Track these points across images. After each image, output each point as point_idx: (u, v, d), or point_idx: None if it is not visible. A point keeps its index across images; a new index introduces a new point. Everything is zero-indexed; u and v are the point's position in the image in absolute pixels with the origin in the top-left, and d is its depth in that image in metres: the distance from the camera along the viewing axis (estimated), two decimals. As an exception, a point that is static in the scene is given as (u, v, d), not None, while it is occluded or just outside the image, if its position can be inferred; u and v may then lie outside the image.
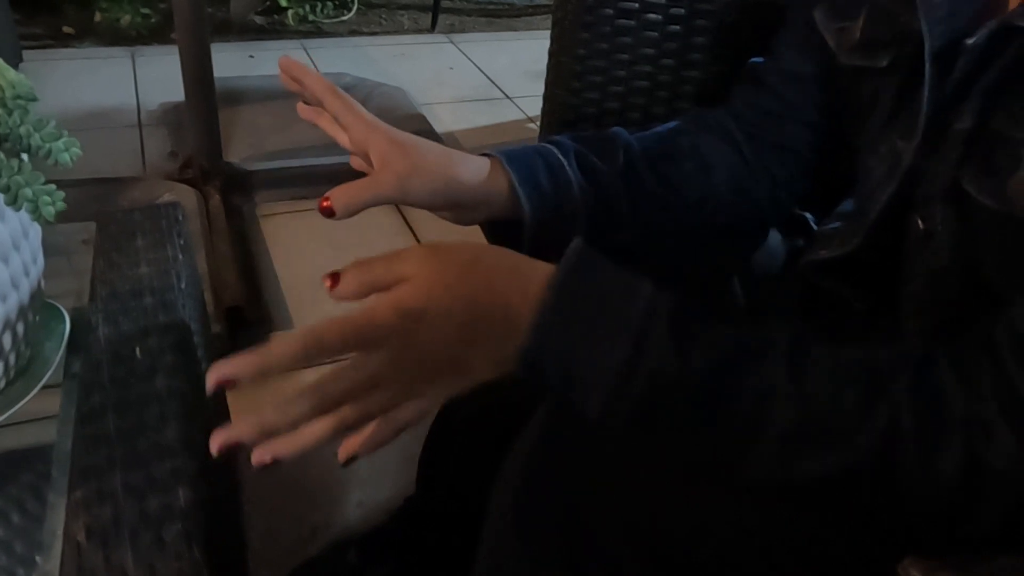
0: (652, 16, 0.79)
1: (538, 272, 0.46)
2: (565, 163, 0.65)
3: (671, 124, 0.75)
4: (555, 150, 0.66)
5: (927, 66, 0.55)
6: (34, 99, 0.52)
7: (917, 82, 0.57)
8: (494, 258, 0.48)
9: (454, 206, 0.62)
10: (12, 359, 0.58)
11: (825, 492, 0.46)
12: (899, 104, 0.60)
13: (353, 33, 2.82)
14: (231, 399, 1.09)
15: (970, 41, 0.52)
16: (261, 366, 0.43)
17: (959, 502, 0.44)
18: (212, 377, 0.43)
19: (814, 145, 0.73)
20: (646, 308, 0.45)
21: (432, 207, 0.61)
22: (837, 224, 0.70)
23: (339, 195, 0.57)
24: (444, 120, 2.20)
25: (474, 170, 0.61)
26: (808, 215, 0.82)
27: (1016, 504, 0.43)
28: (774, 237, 0.82)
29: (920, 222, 0.56)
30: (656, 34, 0.80)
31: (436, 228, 1.75)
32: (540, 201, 0.63)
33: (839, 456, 0.44)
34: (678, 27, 0.80)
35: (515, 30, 3.00)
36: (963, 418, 0.43)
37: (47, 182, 0.53)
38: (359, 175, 0.69)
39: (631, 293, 0.46)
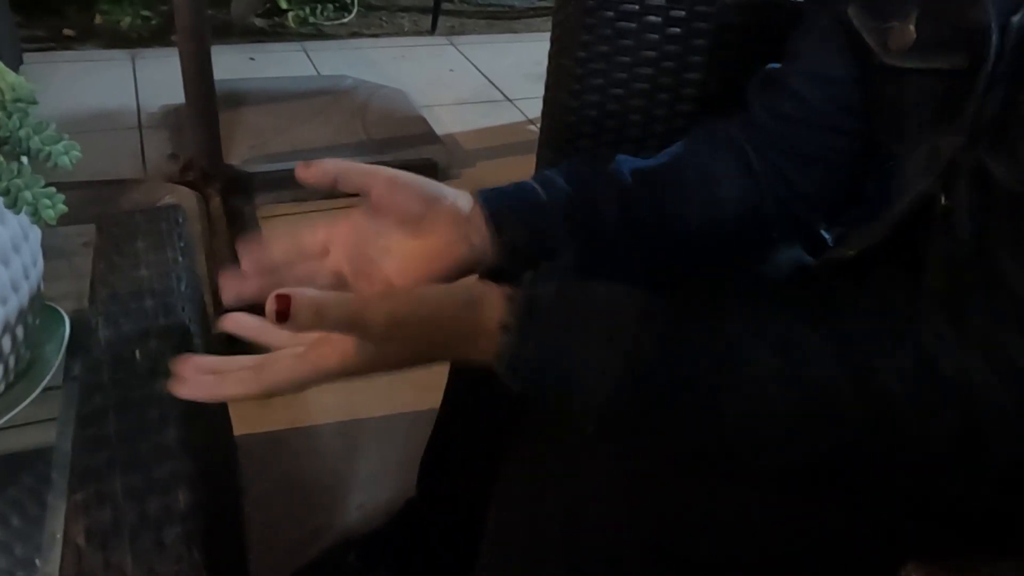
0: (652, 19, 0.79)
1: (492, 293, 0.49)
2: (553, 217, 0.63)
3: (679, 146, 0.72)
4: (537, 185, 0.64)
5: (991, 55, 0.52)
6: (34, 102, 0.52)
7: (967, 76, 0.54)
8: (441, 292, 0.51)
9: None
10: (12, 362, 0.58)
11: (827, 468, 0.47)
12: (946, 100, 0.57)
13: (353, 35, 2.83)
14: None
15: (1015, 18, 0.50)
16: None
17: (958, 457, 0.45)
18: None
19: (844, 151, 0.69)
20: (635, 314, 0.48)
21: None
22: (855, 226, 0.68)
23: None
24: (444, 122, 2.20)
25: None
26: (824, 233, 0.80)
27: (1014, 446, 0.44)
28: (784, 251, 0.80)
29: (943, 198, 0.55)
30: (657, 36, 0.80)
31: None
32: (516, 260, 0.60)
33: (836, 431, 0.46)
34: (678, 30, 0.80)
35: (515, 32, 3.00)
36: (952, 376, 0.45)
37: (47, 184, 0.53)
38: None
39: (617, 297, 0.49)
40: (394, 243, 0.59)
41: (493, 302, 0.48)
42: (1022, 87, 0.50)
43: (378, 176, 0.58)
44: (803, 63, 0.70)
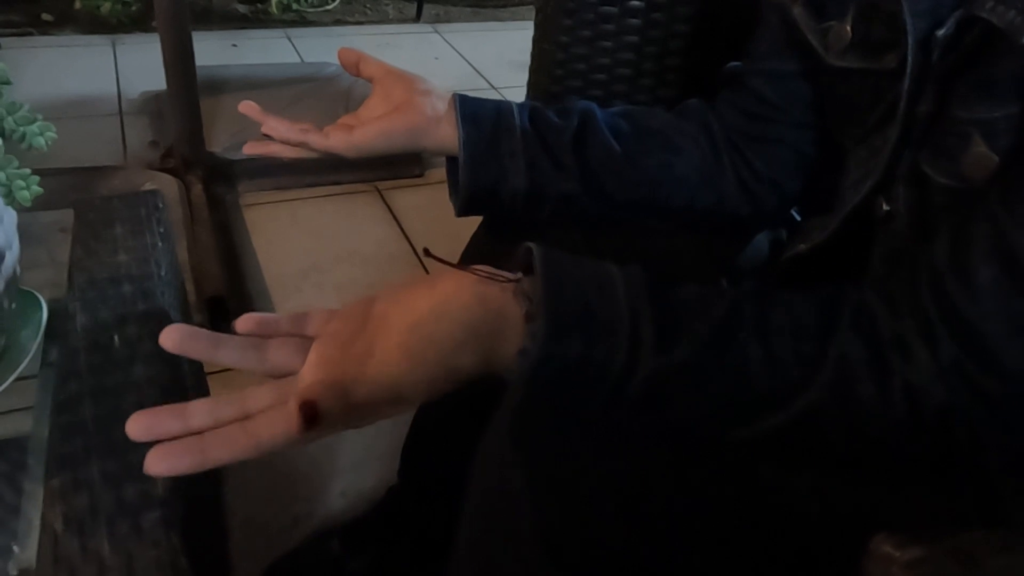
0: (634, 3, 0.79)
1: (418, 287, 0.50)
2: (515, 109, 0.71)
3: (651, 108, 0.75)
4: (512, 103, 0.72)
5: (909, 59, 0.54)
6: (7, 82, 0.51)
7: (898, 78, 0.56)
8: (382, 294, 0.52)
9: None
10: (-13, 347, 0.58)
11: (796, 434, 0.49)
12: (882, 100, 0.60)
13: (338, 22, 2.80)
14: (213, 385, 1.09)
15: (940, 32, 0.52)
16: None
17: (910, 423, 0.47)
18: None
19: (805, 142, 0.72)
20: (629, 314, 0.48)
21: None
22: (810, 219, 0.70)
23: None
24: (429, 110, 2.19)
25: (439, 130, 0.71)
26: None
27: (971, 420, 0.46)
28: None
29: (884, 204, 0.58)
30: (639, 21, 0.80)
31: (421, 216, 1.74)
32: (476, 132, 0.69)
33: (803, 399, 0.47)
34: (660, 15, 0.80)
35: (500, 20, 2.99)
36: (890, 340, 0.47)
37: (23, 170, 0.53)
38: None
39: (609, 289, 0.48)
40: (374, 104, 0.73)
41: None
42: (949, 94, 0.52)
43: (379, 68, 0.75)
44: (760, 62, 0.72)
